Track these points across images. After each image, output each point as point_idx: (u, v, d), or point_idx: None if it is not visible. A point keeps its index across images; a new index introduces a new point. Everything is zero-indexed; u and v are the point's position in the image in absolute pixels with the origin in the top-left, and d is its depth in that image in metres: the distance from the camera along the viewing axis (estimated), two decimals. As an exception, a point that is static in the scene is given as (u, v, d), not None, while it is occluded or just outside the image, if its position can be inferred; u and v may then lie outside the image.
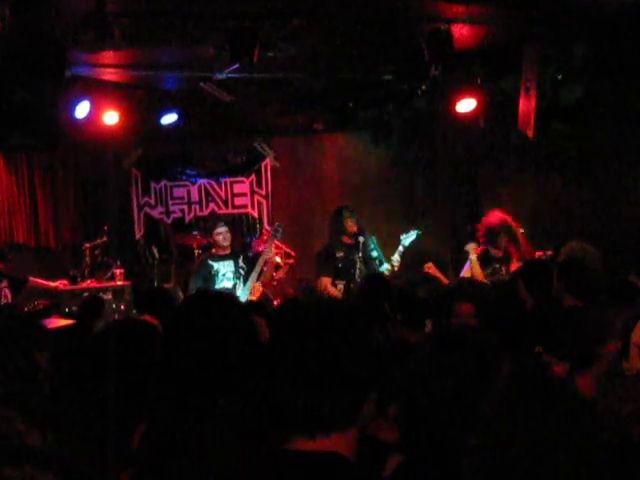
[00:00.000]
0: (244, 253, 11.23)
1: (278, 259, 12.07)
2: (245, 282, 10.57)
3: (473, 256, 10.72)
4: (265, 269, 10.62)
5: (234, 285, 10.58)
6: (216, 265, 10.73)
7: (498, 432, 2.49)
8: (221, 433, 3.16)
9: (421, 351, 3.83)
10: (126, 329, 4.60)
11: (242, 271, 10.67)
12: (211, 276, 10.67)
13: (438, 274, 10.71)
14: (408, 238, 10.80)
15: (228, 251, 10.81)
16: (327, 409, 2.43)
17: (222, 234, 10.76)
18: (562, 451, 2.37)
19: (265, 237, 12.00)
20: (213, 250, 10.94)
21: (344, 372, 2.45)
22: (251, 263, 10.71)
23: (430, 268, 10.70)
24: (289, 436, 2.46)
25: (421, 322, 6.86)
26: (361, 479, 2.43)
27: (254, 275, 10.54)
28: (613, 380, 3.39)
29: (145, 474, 3.30)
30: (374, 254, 10.89)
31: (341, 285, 10.43)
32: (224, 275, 10.70)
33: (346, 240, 10.75)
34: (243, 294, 10.39)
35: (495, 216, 10.61)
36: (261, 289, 10.59)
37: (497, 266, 10.84)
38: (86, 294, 11.54)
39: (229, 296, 3.98)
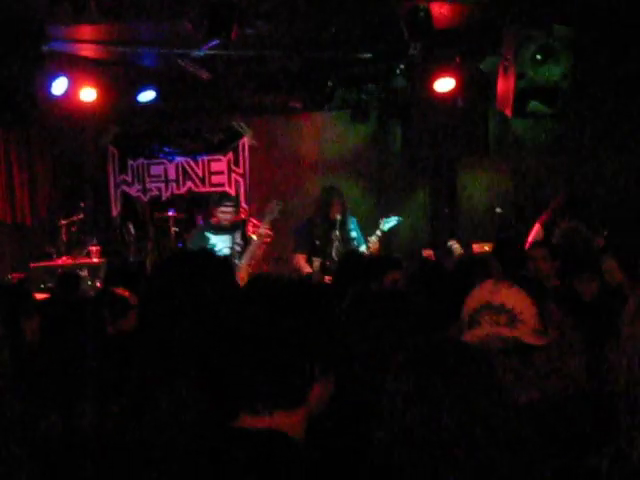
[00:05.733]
0: (242, 229, 11.13)
1: (254, 237, 12.03)
2: (240, 259, 10.48)
3: (456, 245, 10.76)
4: (257, 249, 10.52)
5: None
6: (213, 238, 10.58)
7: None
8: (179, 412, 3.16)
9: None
10: (103, 299, 4.62)
11: (238, 247, 10.56)
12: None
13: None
14: (388, 223, 10.77)
15: (228, 226, 10.69)
16: (271, 387, 2.41)
17: (228, 213, 10.60)
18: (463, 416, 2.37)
19: (242, 215, 11.90)
20: (213, 220, 10.81)
21: (290, 352, 2.43)
22: (246, 239, 10.64)
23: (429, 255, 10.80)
24: (239, 414, 2.45)
25: None
26: (302, 458, 2.39)
27: (248, 254, 10.42)
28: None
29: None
30: (353, 234, 10.84)
31: (317, 262, 10.39)
32: (220, 251, 10.60)
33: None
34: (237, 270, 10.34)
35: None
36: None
37: None
38: (61, 270, 11.51)
39: (205, 256, 3.91)
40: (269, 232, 10.46)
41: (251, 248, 10.42)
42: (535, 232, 10.72)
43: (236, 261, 10.39)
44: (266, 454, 2.33)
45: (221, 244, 10.57)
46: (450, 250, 10.61)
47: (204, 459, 2.42)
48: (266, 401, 2.41)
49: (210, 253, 3.97)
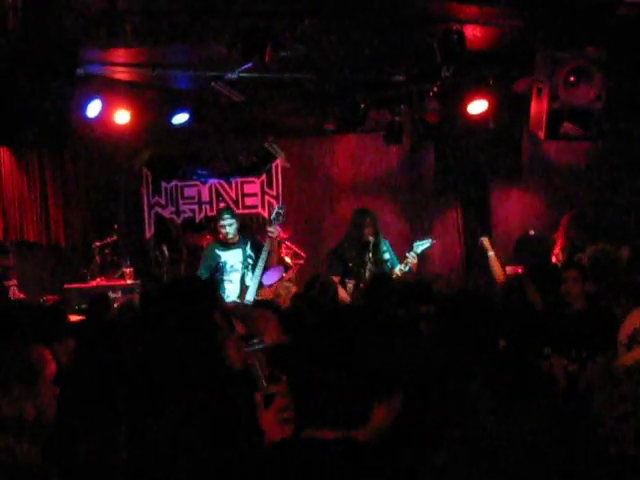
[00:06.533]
0: (252, 239, 11.11)
1: (288, 259, 12.03)
2: (254, 271, 10.48)
3: (491, 252, 10.72)
4: (271, 252, 10.50)
5: (243, 275, 10.52)
6: (223, 256, 10.63)
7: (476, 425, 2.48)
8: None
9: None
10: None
11: (250, 260, 10.57)
12: (218, 268, 10.59)
13: None
14: (421, 246, 10.75)
15: (236, 239, 10.73)
16: (334, 409, 2.42)
17: (227, 227, 10.65)
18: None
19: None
20: (221, 236, 10.87)
21: (353, 376, 2.43)
22: (259, 249, 10.64)
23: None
24: (306, 428, 2.45)
25: None
26: (378, 465, 2.40)
27: (261, 262, 10.44)
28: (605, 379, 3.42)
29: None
30: (386, 256, 10.83)
31: (350, 284, 10.39)
32: (232, 266, 10.62)
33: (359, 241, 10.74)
34: (253, 284, 10.35)
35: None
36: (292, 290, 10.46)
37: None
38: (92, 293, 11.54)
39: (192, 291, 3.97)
40: (278, 231, 10.54)
41: (263, 255, 10.42)
42: (556, 258, 10.69)
43: (251, 273, 10.42)
44: (345, 459, 2.33)
45: (232, 259, 10.62)
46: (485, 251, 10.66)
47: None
48: (330, 422, 2.42)
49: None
